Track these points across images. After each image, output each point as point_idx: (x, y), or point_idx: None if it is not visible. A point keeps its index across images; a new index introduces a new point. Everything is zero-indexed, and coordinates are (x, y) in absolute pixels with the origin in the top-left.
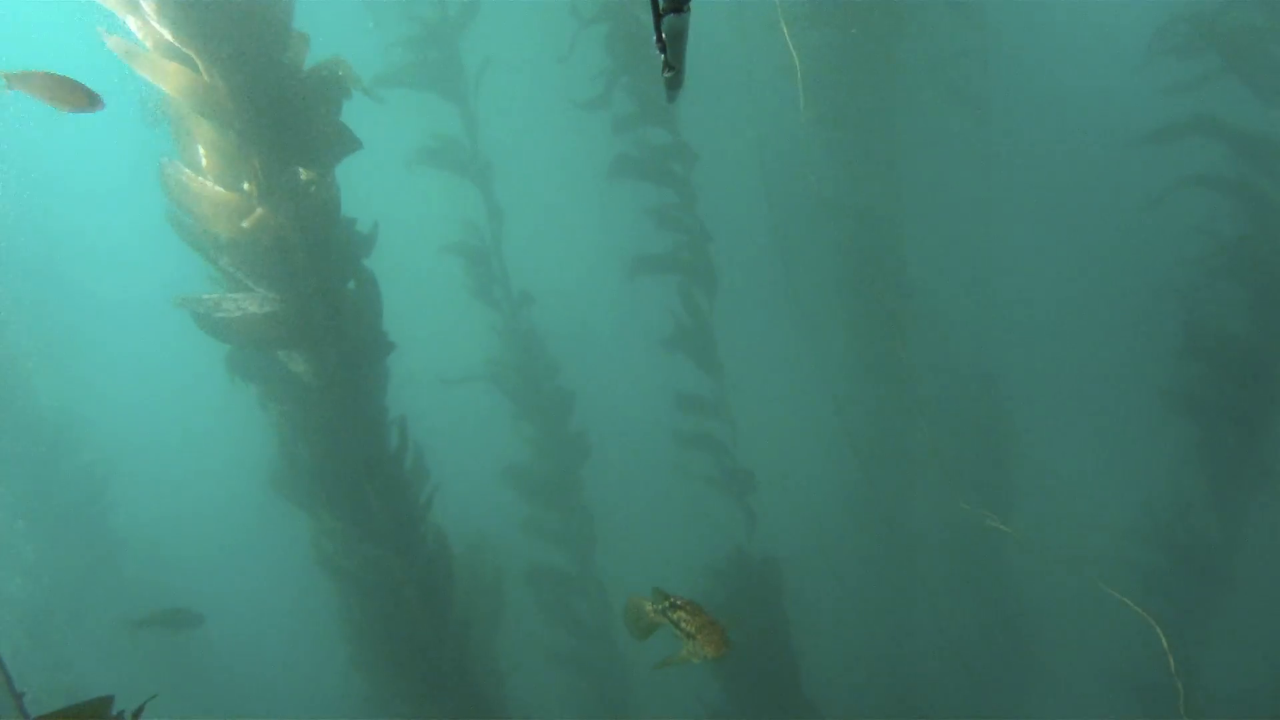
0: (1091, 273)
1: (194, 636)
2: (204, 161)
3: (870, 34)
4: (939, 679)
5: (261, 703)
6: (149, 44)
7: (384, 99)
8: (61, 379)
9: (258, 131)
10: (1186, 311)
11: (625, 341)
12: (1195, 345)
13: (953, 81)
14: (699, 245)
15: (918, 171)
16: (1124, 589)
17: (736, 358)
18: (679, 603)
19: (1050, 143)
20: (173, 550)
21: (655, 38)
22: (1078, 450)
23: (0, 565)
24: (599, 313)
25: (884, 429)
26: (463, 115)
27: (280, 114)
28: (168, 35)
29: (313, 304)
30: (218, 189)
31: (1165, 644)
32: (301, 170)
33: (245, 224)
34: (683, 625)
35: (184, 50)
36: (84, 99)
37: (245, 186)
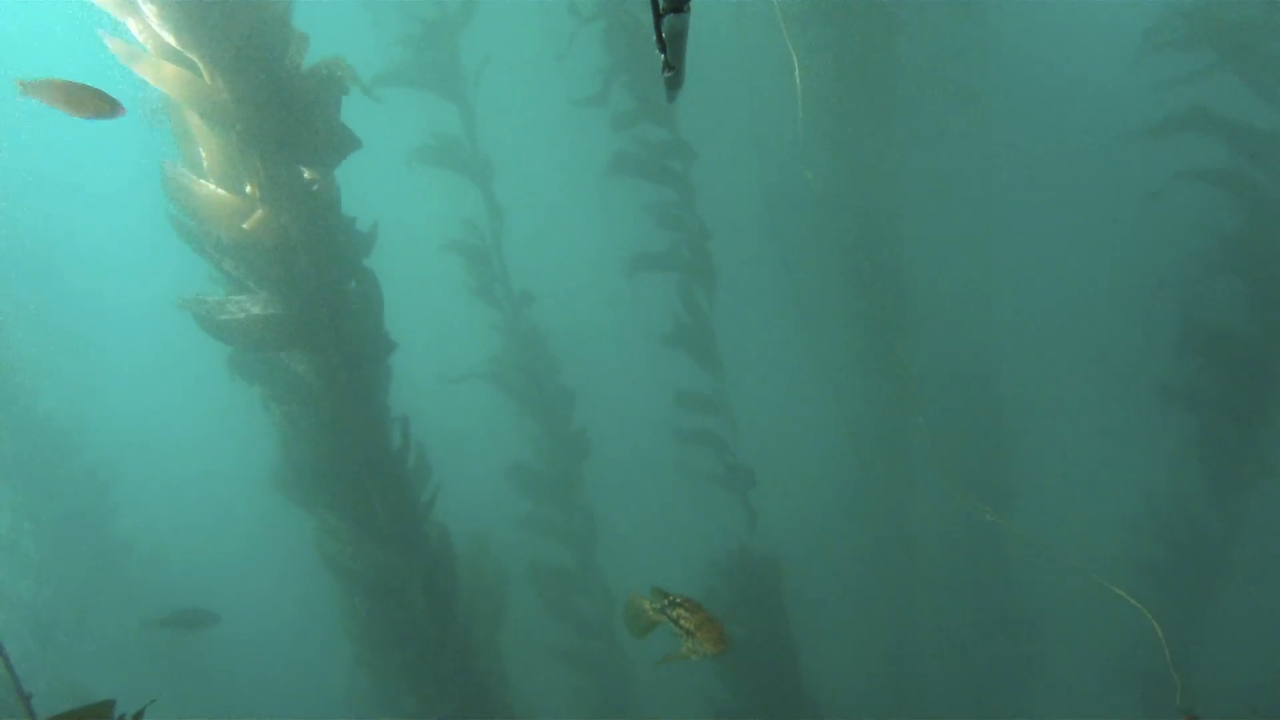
0: (1090, 268)
1: (199, 637)
2: (205, 163)
3: (868, 31)
4: (939, 675)
5: (267, 703)
6: (150, 47)
7: (383, 98)
8: (64, 381)
9: (259, 133)
10: (1185, 306)
11: (626, 340)
12: (1194, 340)
13: (951, 78)
14: (698, 243)
15: (916, 168)
16: (1124, 582)
17: (737, 355)
18: (678, 600)
19: (1048, 138)
20: (176, 551)
21: (655, 37)
22: (1077, 445)
23: (7, 567)
24: (599, 311)
25: (884, 425)
26: (462, 114)
27: (281, 115)
28: (170, 39)
29: (315, 305)
30: (219, 191)
31: (1161, 636)
32: (303, 171)
33: (247, 226)
34: (682, 623)
35: (185, 54)
36: (104, 105)
37: (247, 189)
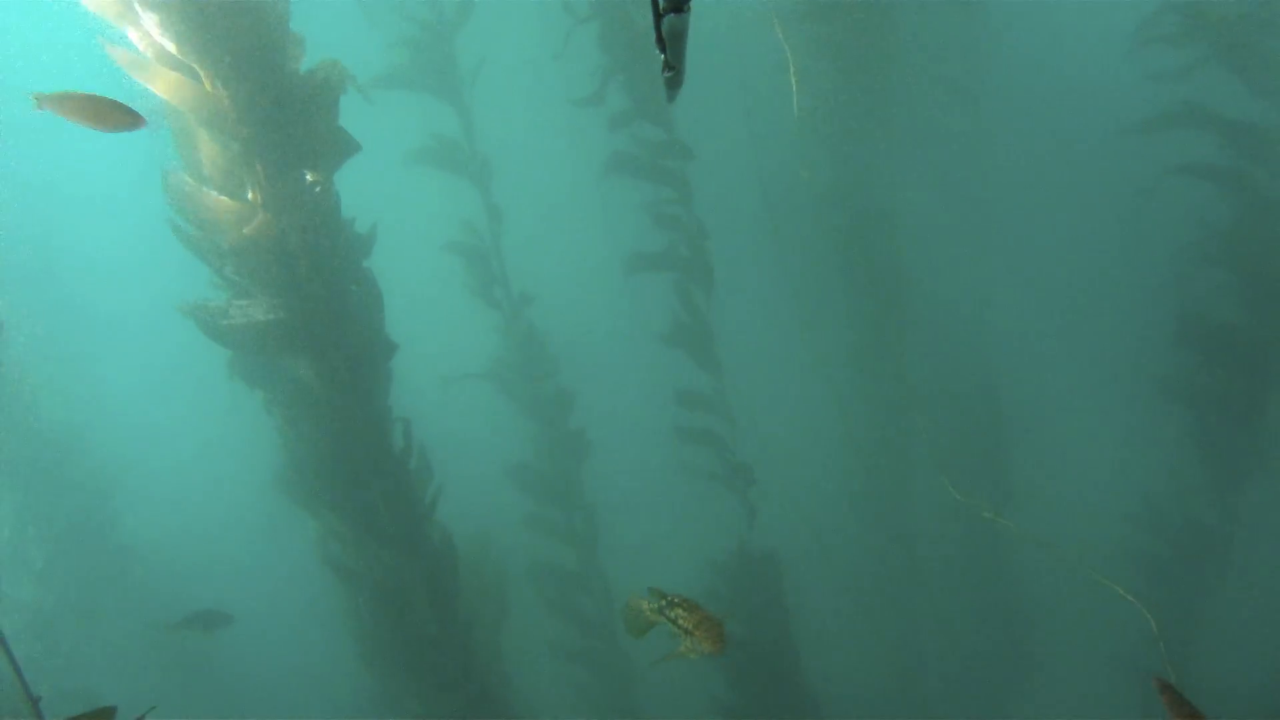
0: (1087, 262)
1: (204, 640)
2: (206, 170)
3: (864, 29)
4: (939, 672)
5: (271, 705)
6: (150, 55)
7: (378, 100)
8: (66, 386)
9: (261, 139)
10: (1181, 300)
11: (625, 339)
12: (1190, 334)
13: (946, 75)
14: (696, 242)
15: (912, 166)
16: (1122, 576)
17: (735, 354)
18: (676, 600)
19: (1043, 133)
20: (180, 555)
21: (655, 37)
22: (1074, 440)
23: (11, 571)
24: (598, 311)
25: (883, 423)
26: (459, 115)
27: (282, 120)
28: (171, 47)
29: (317, 309)
30: (221, 197)
31: (1155, 631)
32: (303, 176)
33: (248, 231)
34: (680, 622)
35: (187, 62)
36: (125, 117)
37: (249, 195)
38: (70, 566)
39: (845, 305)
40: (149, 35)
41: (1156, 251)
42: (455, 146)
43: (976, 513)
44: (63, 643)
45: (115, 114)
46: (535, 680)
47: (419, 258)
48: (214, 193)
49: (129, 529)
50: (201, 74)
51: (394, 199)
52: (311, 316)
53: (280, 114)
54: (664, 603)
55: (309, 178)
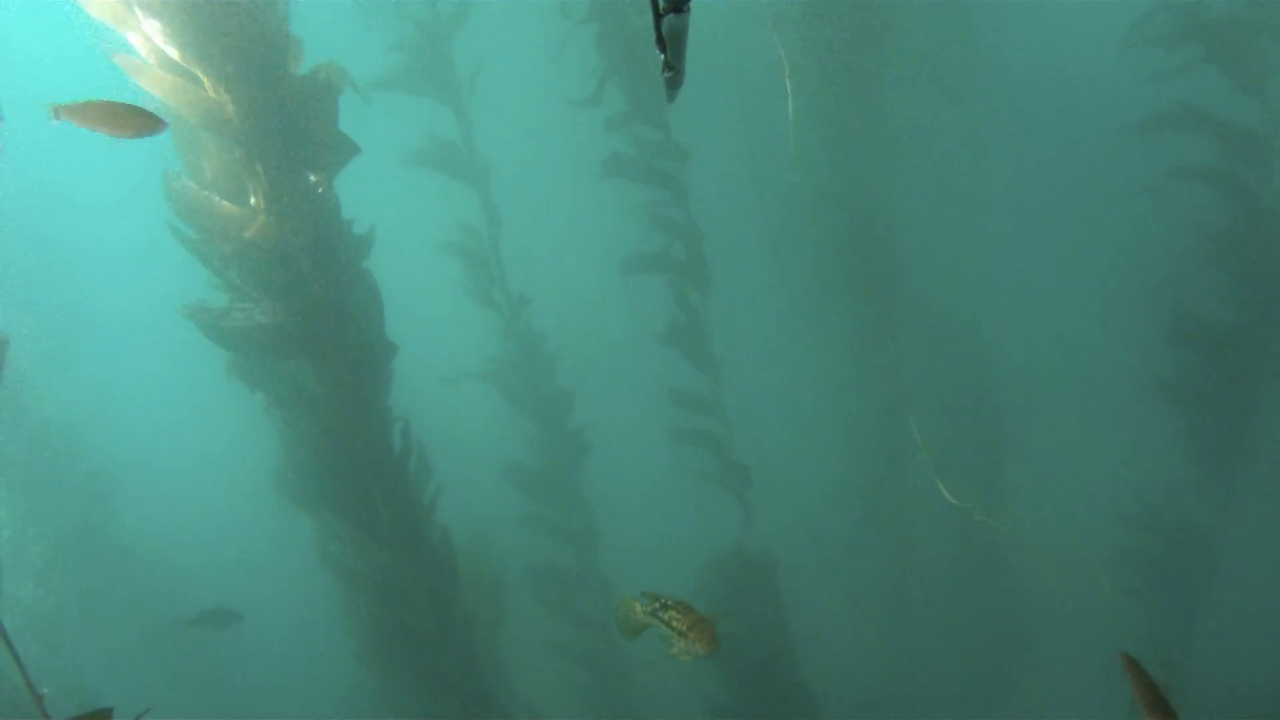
0: (1081, 263)
1: (202, 639)
2: (208, 174)
3: (858, 30)
4: (935, 669)
5: (269, 703)
6: (153, 60)
7: (375, 101)
8: (66, 387)
9: (263, 143)
10: (1174, 300)
11: (622, 340)
12: (1184, 334)
13: (941, 76)
14: (693, 244)
15: (907, 166)
16: (1115, 573)
17: (732, 355)
18: (669, 603)
19: (1038, 134)
20: (180, 555)
21: (655, 37)
22: (1069, 438)
23: (11, 571)
24: (596, 311)
25: (878, 422)
26: (457, 117)
27: (284, 125)
28: (174, 54)
29: (318, 311)
30: (224, 202)
31: (1147, 631)
32: (304, 179)
33: (250, 235)
34: (674, 624)
35: (189, 68)
36: (146, 123)
37: (251, 199)
38: (70, 567)
39: (841, 306)
40: (151, 41)
41: (1150, 252)
42: (453, 148)
43: (971, 513)
44: (63, 642)
45: (135, 119)
46: (533, 679)
47: (417, 259)
48: (216, 197)
49: (128, 529)
50: (205, 80)
51: (391, 201)
52: (312, 319)
53: (282, 118)
54: (657, 605)
55: (310, 181)
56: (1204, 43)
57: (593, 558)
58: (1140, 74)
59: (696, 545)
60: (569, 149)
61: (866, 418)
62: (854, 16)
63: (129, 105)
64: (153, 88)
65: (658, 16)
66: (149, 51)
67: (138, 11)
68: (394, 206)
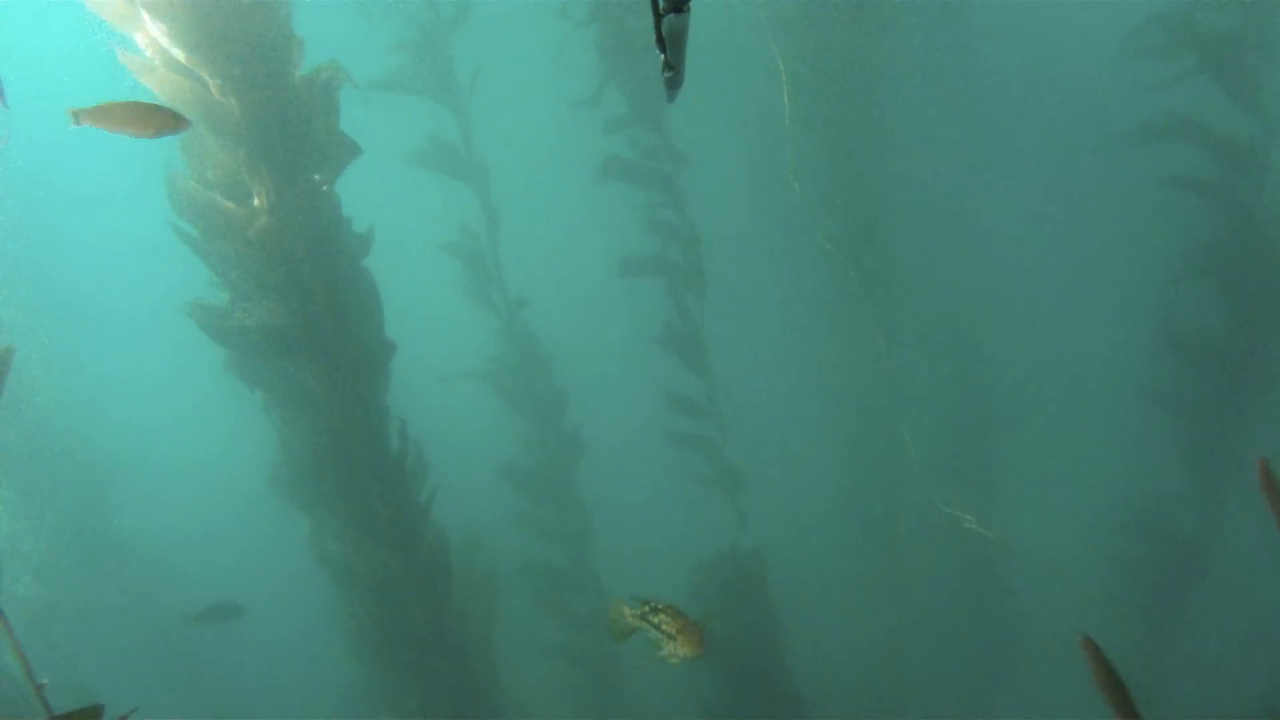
0: (1074, 271)
1: (198, 635)
2: (211, 174)
3: (855, 36)
4: (925, 671)
5: (264, 699)
6: (158, 61)
7: (375, 101)
8: (64, 381)
9: (266, 145)
10: (1166, 309)
11: (619, 342)
12: (1175, 342)
13: (936, 84)
14: (690, 248)
15: (902, 173)
16: (1104, 579)
17: (727, 358)
18: (659, 606)
19: (1034, 142)
20: (175, 551)
21: (655, 38)
22: (1059, 444)
23: (7, 565)
24: (593, 313)
25: (872, 427)
26: (457, 118)
27: (287, 126)
28: (180, 56)
29: (319, 312)
30: (227, 202)
31: (1134, 637)
32: (307, 180)
33: (253, 235)
34: (663, 627)
35: (194, 70)
36: (169, 121)
37: (254, 200)
38: (66, 562)
39: (835, 310)
40: (156, 42)
41: (1143, 261)
42: (452, 149)
43: (962, 521)
44: (58, 637)
45: (158, 118)
46: (526, 679)
47: (415, 259)
48: (219, 197)
49: (125, 525)
50: (210, 83)
51: (390, 201)
52: (314, 319)
53: (286, 120)
54: (647, 608)
55: (313, 182)
56: (1198, 55)
57: (587, 558)
58: (1136, 84)
59: (690, 547)
60: (568, 151)
61: (860, 423)
62: (850, 23)
63: (150, 104)
64: (157, 87)
65: (658, 16)
66: (154, 52)
67: (144, 13)
68: (393, 207)
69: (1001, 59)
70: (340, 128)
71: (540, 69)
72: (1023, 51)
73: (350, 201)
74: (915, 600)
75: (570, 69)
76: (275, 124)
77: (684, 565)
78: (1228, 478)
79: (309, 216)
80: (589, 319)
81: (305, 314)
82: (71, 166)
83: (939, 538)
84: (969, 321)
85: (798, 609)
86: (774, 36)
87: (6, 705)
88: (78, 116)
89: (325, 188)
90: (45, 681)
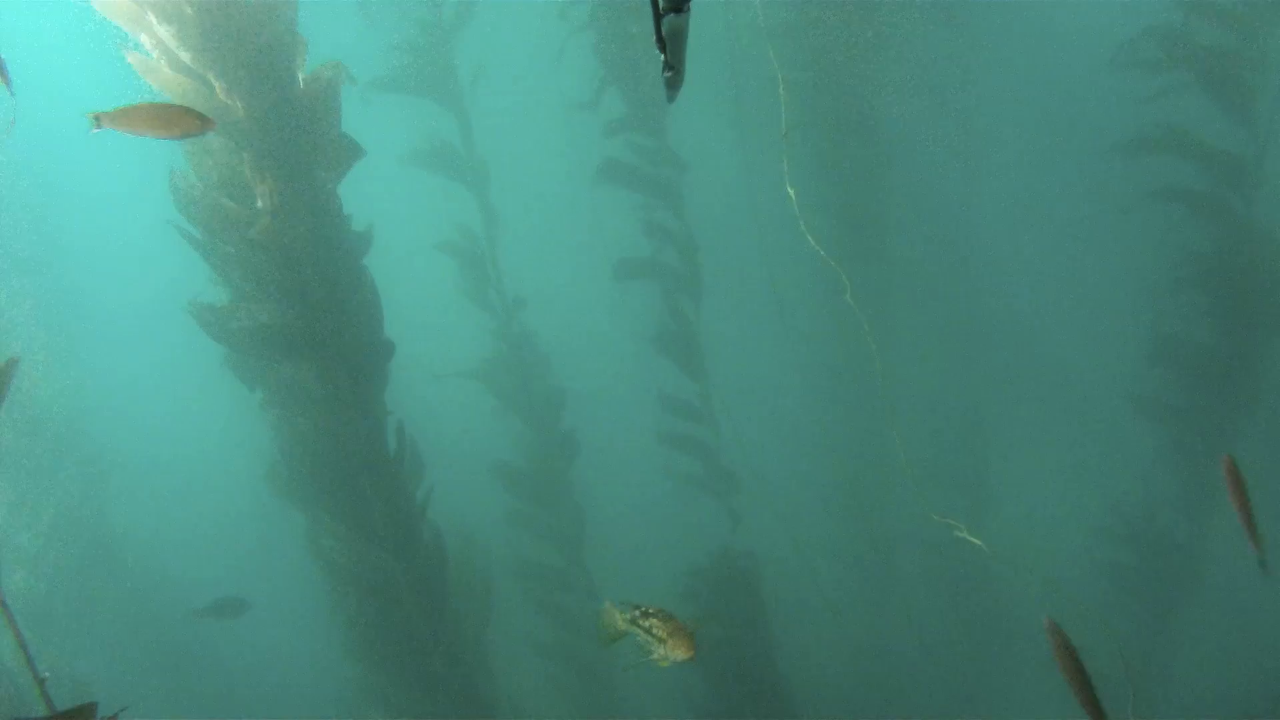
0: (1065, 280)
1: (194, 632)
2: (215, 175)
3: (852, 42)
4: (915, 672)
5: (259, 695)
6: (163, 63)
7: (375, 102)
8: (62, 375)
9: (270, 146)
10: (1155, 319)
11: (616, 343)
12: (1163, 351)
13: (932, 94)
14: (687, 252)
15: (896, 180)
16: (1094, 586)
17: (722, 361)
18: (650, 611)
19: (1028, 152)
20: (171, 546)
21: (655, 37)
22: (1051, 450)
23: (3, 559)
24: (590, 314)
25: (863, 433)
26: (457, 119)
27: (290, 128)
28: (187, 59)
29: (321, 313)
30: (229, 202)
31: (1121, 644)
32: (310, 182)
33: (256, 236)
34: (654, 631)
35: (201, 72)
36: (195, 122)
37: (258, 201)
38: (62, 555)
39: (829, 316)
40: (162, 43)
41: (1134, 271)
42: (452, 150)
43: (952, 528)
44: (54, 629)
45: (183, 119)
46: (519, 677)
47: (413, 259)
48: (223, 198)
49: (121, 519)
50: (215, 86)
51: (389, 201)
52: (315, 319)
53: (290, 121)
54: (637, 613)
55: (316, 183)
56: (1190, 68)
57: (581, 559)
58: (1129, 96)
59: (683, 549)
60: (567, 153)
61: (853, 427)
62: (847, 31)
63: (174, 106)
64: (161, 87)
65: (658, 16)
66: (160, 53)
67: (151, 15)
68: (391, 207)
69: (996, 70)
70: (343, 130)
71: (540, 71)
72: (1017, 62)
73: (348, 201)
74: (906, 604)
75: (570, 71)
76: (280, 126)
77: (677, 567)
78: (1217, 485)
79: (312, 217)
80: (586, 320)
81: (306, 314)
82: (70, 161)
83: (930, 542)
84: (962, 328)
85: (790, 611)
86: (771, 42)
87: (6, 706)
88: (98, 120)
89: (330, 188)
90: (47, 675)
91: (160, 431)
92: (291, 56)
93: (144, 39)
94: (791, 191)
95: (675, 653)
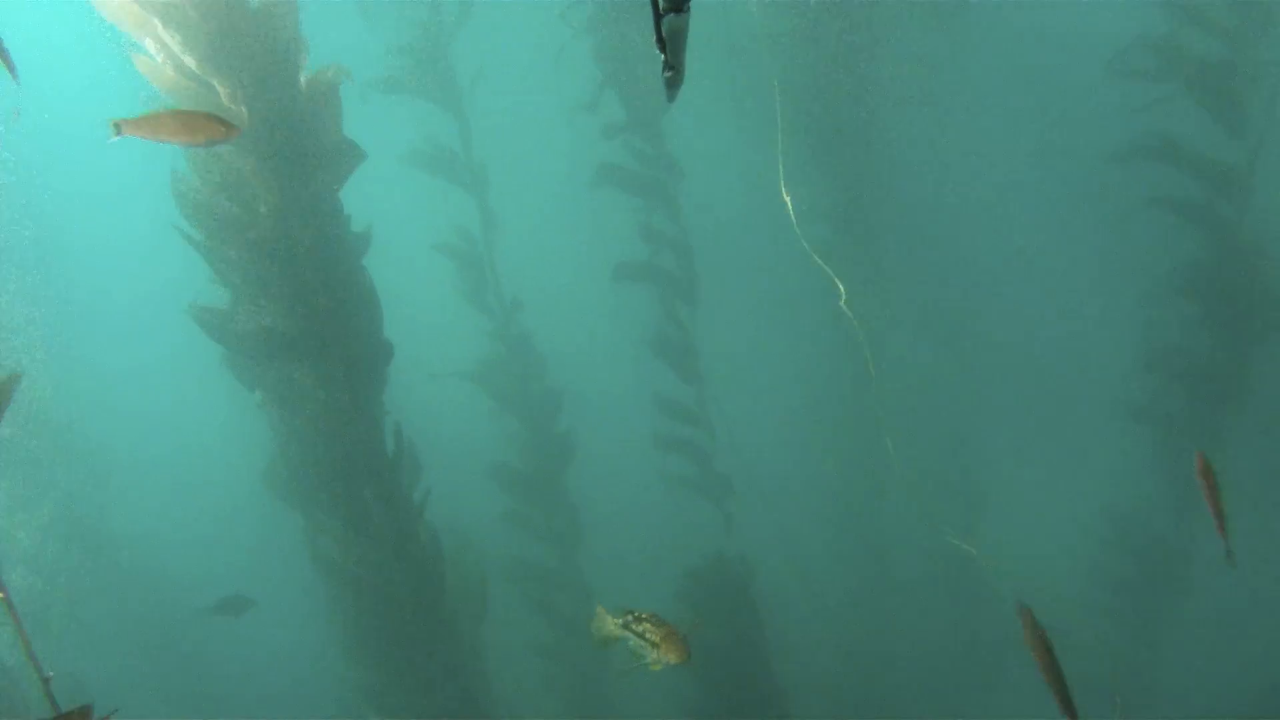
0: (1059, 288)
1: (191, 631)
2: (218, 178)
3: (849, 47)
4: (908, 675)
5: (255, 693)
6: (169, 68)
7: (373, 103)
8: (61, 374)
9: (274, 150)
10: (1147, 326)
11: (612, 346)
12: (1155, 358)
13: (928, 96)
14: (683, 255)
15: (891, 186)
16: (1087, 590)
17: (717, 365)
18: (643, 616)
19: (1022, 160)
20: (169, 546)
21: (655, 37)
22: (1044, 456)
23: (3, 559)
24: (587, 317)
25: (858, 438)
26: (456, 121)
27: (294, 132)
28: (192, 64)
29: (322, 316)
30: (232, 205)
31: (1109, 649)
32: (313, 185)
33: (258, 239)
34: (648, 636)
35: (205, 78)
36: (218, 128)
37: (261, 205)
38: (60, 553)
39: (825, 321)
40: (168, 49)
41: (1127, 279)
42: (450, 152)
43: (946, 524)
44: (51, 627)
45: (208, 126)
46: (515, 678)
47: (412, 261)
48: (225, 200)
49: (119, 518)
50: (221, 91)
51: (388, 202)
52: (315, 321)
53: (292, 125)
54: (630, 617)
55: (318, 186)
56: (1183, 78)
57: (575, 560)
58: (1123, 105)
59: (677, 551)
60: (565, 155)
61: (847, 432)
62: (844, 36)
63: (197, 112)
64: (167, 91)
65: (658, 16)
66: (165, 58)
67: (157, 21)
68: (391, 208)
69: (990, 77)
70: (344, 133)
71: (539, 74)
72: (1012, 70)
73: (348, 202)
74: (899, 607)
75: (569, 74)
76: (283, 130)
77: (671, 569)
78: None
79: (313, 220)
80: (583, 323)
81: (307, 316)
82: (70, 160)
83: (923, 546)
84: (956, 334)
85: (784, 614)
86: (769, 47)
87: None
88: (119, 128)
89: (331, 191)
90: (51, 674)
91: (159, 430)
92: (294, 62)
93: (149, 43)
94: (787, 198)
95: (668, 657)
